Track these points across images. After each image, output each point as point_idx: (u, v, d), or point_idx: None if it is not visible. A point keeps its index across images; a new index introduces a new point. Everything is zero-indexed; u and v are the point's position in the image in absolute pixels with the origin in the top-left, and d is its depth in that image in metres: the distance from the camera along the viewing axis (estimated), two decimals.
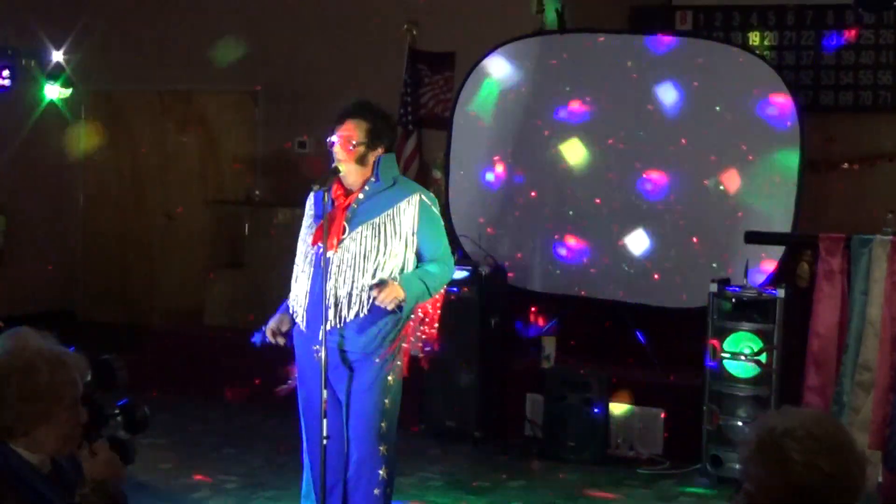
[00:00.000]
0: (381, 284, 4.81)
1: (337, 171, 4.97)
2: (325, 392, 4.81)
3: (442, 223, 5.14)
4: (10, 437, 2.93)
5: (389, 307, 4.80)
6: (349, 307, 4.90)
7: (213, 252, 10.25)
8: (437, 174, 9.02)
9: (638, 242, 8.17)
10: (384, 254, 4.91)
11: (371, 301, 4.86)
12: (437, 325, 5.39)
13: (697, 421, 7.17)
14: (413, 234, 4.96)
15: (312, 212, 5.12)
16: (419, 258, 5.02)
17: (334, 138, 4.99)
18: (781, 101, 7.78)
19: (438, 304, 5.37)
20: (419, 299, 5.02)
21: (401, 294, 4.81)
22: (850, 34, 8.15)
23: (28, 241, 10.44)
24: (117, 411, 3.25)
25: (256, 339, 5.14)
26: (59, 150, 10.87)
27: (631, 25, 8.60)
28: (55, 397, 2.92)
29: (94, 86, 10.69)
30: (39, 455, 2.97)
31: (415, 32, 9.27)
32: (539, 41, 8.58)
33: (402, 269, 4.95)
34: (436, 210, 5.07)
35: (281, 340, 5.07)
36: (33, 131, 10.50)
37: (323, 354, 4.79)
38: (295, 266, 5.10)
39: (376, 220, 4.94)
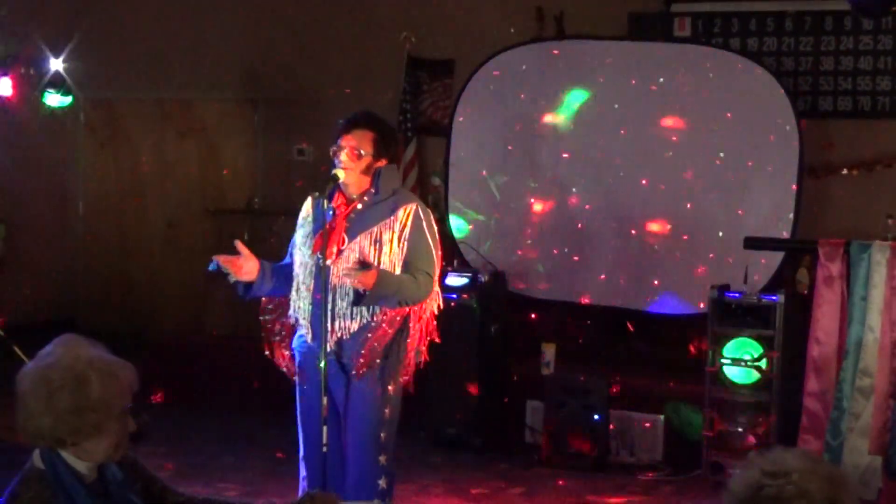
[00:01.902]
0: (364, 268, 4.77)
1: (336, 178, 4.96)
2: (324, 399, 4.80)
3: (431, 241, 5.00)
4: (60, 447, 2.93)
5: (351, 283, 4.75)
6: (352, 318, 4.88)
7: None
8: (436, 181, 9.03)
9: (637, 248, 8.17)
10: (381, 263, 4.89)
11: (371, 311, 4.86)
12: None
13: (697, 427, 7.17)
14: (404, 241, 4.93)
15: (310, 219, 5.09)
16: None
17: (341, 147, 4.97)
18: (780, 107, 7.79)
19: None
20: (385, 298, 4.86)
21: (369, 283, 4.73)
22: None
23: (28, 249, 10.44)
24: None
25: (212, 265, 5.00)
26: (59, 158, 10.88)
27: (630, 32, 8.61)
28: (106, 410, 2.92)
29: (93, 94, 10.70)
30: (87, 463, 2.97)
31: (413, 39, 9.28)
32: (537, 48, 8.59)
33: None
34: (428, 224, 5.00)
35: (232, 276, 4.95)
36: (33, 140, 10.50)
37: (323, 363, 4.79)
38: (295, 275, 5.07)
39: (374, 229, 4.93)
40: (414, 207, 4.99)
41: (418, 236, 4.95)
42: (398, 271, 4.91)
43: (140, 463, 3.20)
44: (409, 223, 4.93)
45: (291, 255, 5.14)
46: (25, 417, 2.91)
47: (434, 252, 5.01)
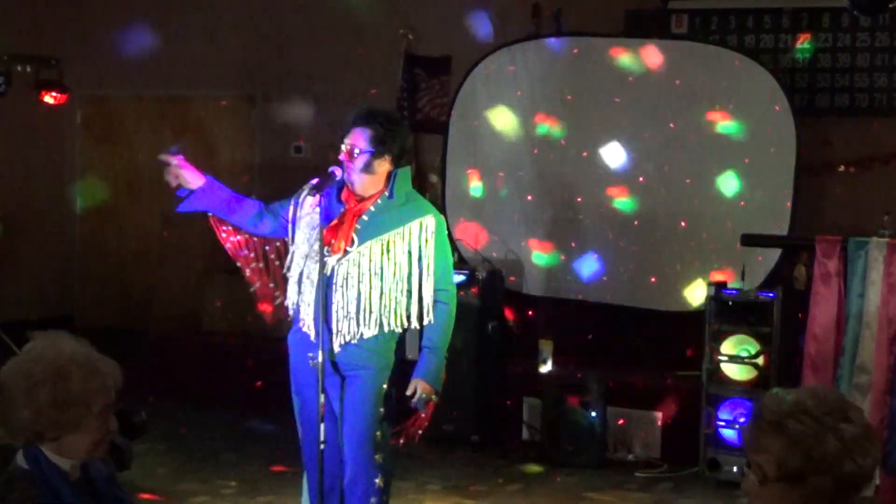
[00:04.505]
0: (415, 390, 4.91)
1: (333, 175, 4.94)
2: (321, 396, 4.79)
3: (446, 258, 5.01)
4: (40, 442, 2.93)
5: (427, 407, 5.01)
6: (359, 324, 4.85)
7: (210, 257, 10.23)
8: (434, 178, 9.03)
9: (634, 245, 8.17)
10: (393, 273, 4.85)
11: (378, 321, 4.86)
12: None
13: (695, 424, 7.17)
14: (423, 258, 4.88)
15: (317, 211, 4.92)
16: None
17: (343, 145, 4.94)
18: (777, 104, 7.79)
19: None
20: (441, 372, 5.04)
21: (431, 391, 4.96)
22: None
23: (26, 246, 10.43)
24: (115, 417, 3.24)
25: (183, 192, 5.33)
26: (56, 156, 10.87)
27: (627, 29, 8.61)
28: (86, 405, 2.90)
29: (90, 91, 10.69)
30: (70, 460, 2.97)
31: (411, 37, 9.28)
32: (535, 45, 8.59)
33: (408, 291, 4.89)
34: (442, 240, 4.98)
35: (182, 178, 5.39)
36: (30, 138, 10.50)
37: (320, 360, 4.78)
38: (294, 266, 5.00)
39: (385, 236, 4.87)
40: (430, 223, 4.92)
41: (438, 254, 4.92)
42: (413, 284, 4.89)
43: (116, 479, 3.18)
44: (431, 238, 4.89)
45: (272, 211, 5.06)
46: (6, 411, 2.90)
47: (450, 265, 5.03)
